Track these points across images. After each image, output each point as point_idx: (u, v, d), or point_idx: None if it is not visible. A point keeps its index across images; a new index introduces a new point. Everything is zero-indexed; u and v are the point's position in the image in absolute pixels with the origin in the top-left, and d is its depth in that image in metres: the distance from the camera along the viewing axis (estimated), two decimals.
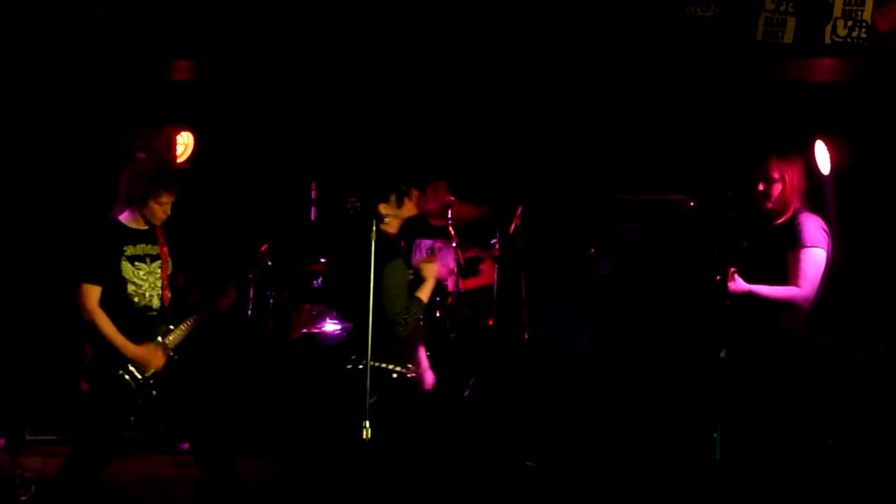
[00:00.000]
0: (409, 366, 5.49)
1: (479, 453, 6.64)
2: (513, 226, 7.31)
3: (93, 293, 5.19)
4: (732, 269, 5.39)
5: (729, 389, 5.39)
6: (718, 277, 5.43)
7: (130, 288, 5.27)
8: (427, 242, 7.76)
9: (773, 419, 5.41)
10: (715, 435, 5.28)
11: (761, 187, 5.56)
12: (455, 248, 7.22)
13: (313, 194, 7.69)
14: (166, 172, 5.32)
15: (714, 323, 5.54)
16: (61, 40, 6.07)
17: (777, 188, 5.53)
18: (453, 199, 7.25)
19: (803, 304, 5.43)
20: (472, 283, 7.61)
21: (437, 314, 7.27)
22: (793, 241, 5.45)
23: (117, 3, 6.00)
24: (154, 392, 5.28)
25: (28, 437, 6.93)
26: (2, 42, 6.13)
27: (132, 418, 6.35)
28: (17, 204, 7.24)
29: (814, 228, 5.45)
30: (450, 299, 7.31)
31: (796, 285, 5.41)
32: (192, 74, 7.24)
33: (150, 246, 5.36)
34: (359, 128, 7.96)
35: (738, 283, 5.40)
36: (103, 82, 7.04)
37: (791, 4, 6.08)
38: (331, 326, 7.18)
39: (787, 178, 5.53)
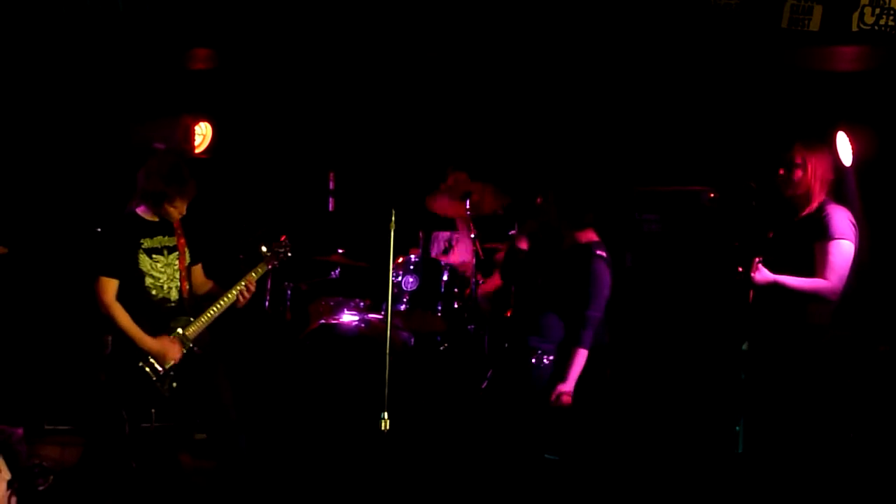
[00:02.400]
0: None
1: (498, 445, 6.62)
2: None
3: (110, 286, 5.20)
4: (758, 259, 5.33)
5: (751, 382, 5.34)
6: (741, 269, 5.37)
7: (148, 280, 5.27)
8: (445, 234, 7.74)
9: (796, 412, 5.36)
10: (737, 428, 5.23)
11: (782, 172, 5.50)
12: (474, 239, 7.18)
13: (331, 185, 7.67)
14: (181, 173, 5.31)
15: (736, 315, 5.48)
16: (81, 30, 6.06)
17: (798, 174, 5.47)
18: (473, 189, 7.21)
19: (831, 297, 5.37)
20: (491, 285, 7.57)
21: (456, 305, 7.25)
22: (821, 232, 5.38)
23: None
24: (175, 384, 5.28)
25: (46, 427, 6.93)
26: (22, 33, 6.13)
27: (153, 410, 6.37)
28: (35, 195, 7.24)
29: (842, 220, 5.39)
30: (468, 290, 7.28)
31: (824, 277, 5.35)
32: (211, 63, 7.22)
33: (167, 238, 5.36)
34: (377, 118, 7.93)
35: (764, 273, 5.34)
36: (122, 72, 7.03)
37: None
38: (348, 317, 7.16)
39: (809, 165, 5.46)
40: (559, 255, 5.82)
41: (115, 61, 6.82)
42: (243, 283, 5.45)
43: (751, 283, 5.33)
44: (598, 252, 5.65)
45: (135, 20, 6.08)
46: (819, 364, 5.39)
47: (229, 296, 5.43)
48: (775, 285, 5.36)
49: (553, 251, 5.86)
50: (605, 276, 5.62)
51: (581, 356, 5.60)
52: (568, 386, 5.60)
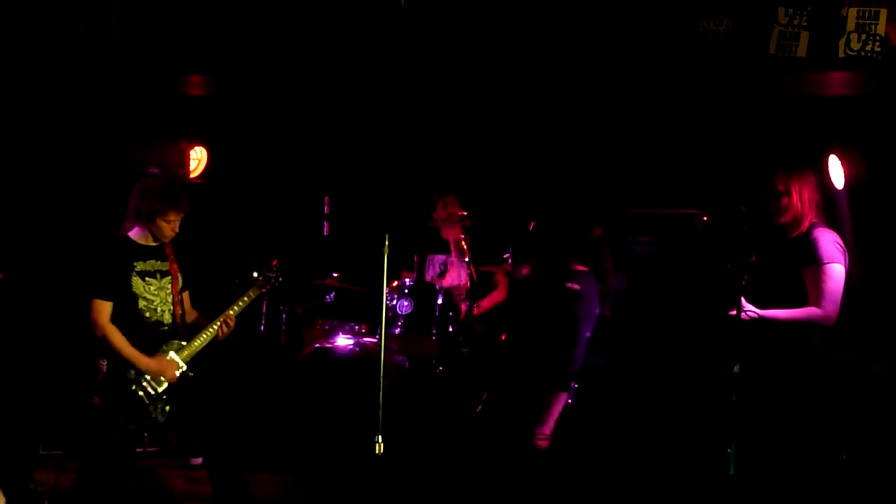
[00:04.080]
0: None
1: (492, 466, 6.62)
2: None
3: (104, 309, 5.22)
4: (742, 297, 5.33)
5: (743, 404, 5.35)
6: (734, 312, 5.36)
7: (142, 303, 5.29)
8: (440, 258, 7.77)
9: (788, 433, 5.37)
10: (729, 450, 5.24)
11: (769, 202, 5.54)
12: (468, 262, 7.21)
13: (326, 209, 7.70)
14: (174, 190, 5.35)
15: (728, 337, 5.50)
16: (76, 56, 6.11)
17: (784, 202, 5.50)
18: (465, 213, 7.25)
19: (825, 323, 5.37)
20: (486, 303, 7.60)
21: (451, 329, 7.27)
22: (809, 257, 5.40)
23: (131, 20, 6.04)
24: (167, 407, 5.29)
25: (41, 452, 6.93)
26: (19, 59, 6.18)
27: (146, 434, 6.38)
28: (30, 218, 7.26)
29: (829, 244, 5.40)
30: (462, 314, 7.31)
31: (817, 305, 5.36)
32: (206, 90, 7.27)
33: (159, 262, 5.39)
34: (371, 143, 7.98)
35: (752, 311, 5.35)
36: (118, 97, 7.07)
37: (804, 18, 6.06)
38: (343, 341, 7.18)
39: (793, 190, 5.49)
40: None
41: (111, 87, 6.86)
42: (222, 319, 5.47)
43: (742, 326, 5.32)
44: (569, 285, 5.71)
45: (130, 47, 6.12)
46: (811, 384, 5.40)
47: (211, 329, 5.45)
48: (766, 320, 5.37)
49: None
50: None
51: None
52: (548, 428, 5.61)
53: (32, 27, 5.89)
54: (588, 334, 5.84)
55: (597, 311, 5.92)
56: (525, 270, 6.26)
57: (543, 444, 5.58)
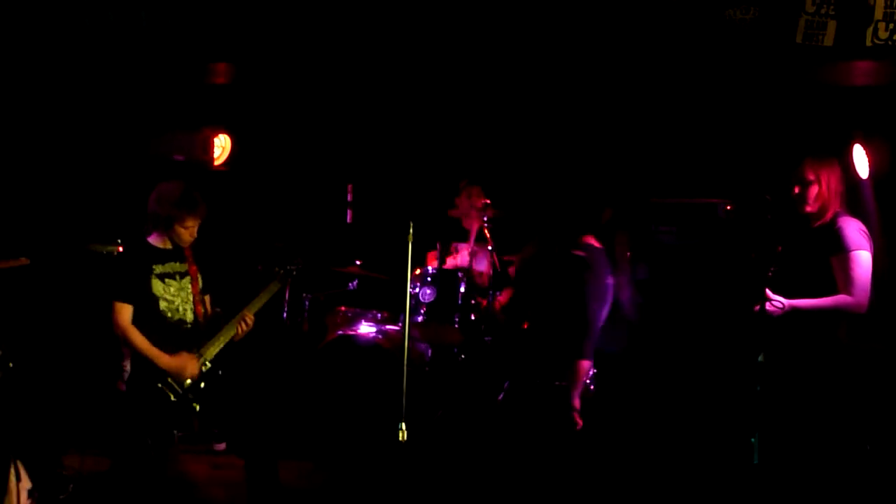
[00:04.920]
0: None
1: (514, 456, 6.64)
2: None
3: (125, 311, 5.30)
4: (769, 292, 5.32)
5: (767, 394, 5.34)
6: (758, 308, 5.35)
7: (163, 304, 5.36)
8: (463, 246, 7.77)
9: (812, 423, 5.36)
10: (753, 440, 5.24)
11: (797, 190, 5.52)
12: (491, 251, 7.21)
13: (349, 197, 7.72)
14: (191, 196, 5.39)
15: (752, 327, 5.49)
16: (106, 44, 6.15)
17: (814, 190, 5.49)
18: (489, 201, 7.25)
19: (857, 311, 5.35)
20: (506, 296, 7.60)
21: (473, 317, 7.27)
22: (836, 245, 5.39)
23: (159, 9, 6.07)
24: (196, 405, 5.33)
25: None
26: (48, 47, 6.22)
27: (176, 432, 6.41)
28: (54, 213, 7.32)
29: (854, 231, 5.39)
30: (484, 302, 7.31)
31: (847, 292, 5.34)
32: (230, 78, 7.29)
33: (178, 264, 5.47)
34: (395, 130, 7.98)
35: (781, 302, 5.33)
36: (143, 85, 7.11)
37: (831, 7, 6.02)
38: (366, 328, 7.20)
39: (822, 179, 5.48)
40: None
41: (137, 76, 6.90)
42: (239, 318, 5.50)
43: (769, 319, 5.31)
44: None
45: (157, 36, 6.15)
46: (837, 375, 5.38)
47: (232, 325, 5.49)
48: (794, 311, 5.36)
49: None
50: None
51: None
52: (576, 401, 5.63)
53: (63, 16, 5.93)
54: (604, 309, 5.81)
55: (609, 281, 5.88)
56: (530, 249, 6.26)
57: (578, 421, 5.59)
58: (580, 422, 5.66)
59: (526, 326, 7.36)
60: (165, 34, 6.25)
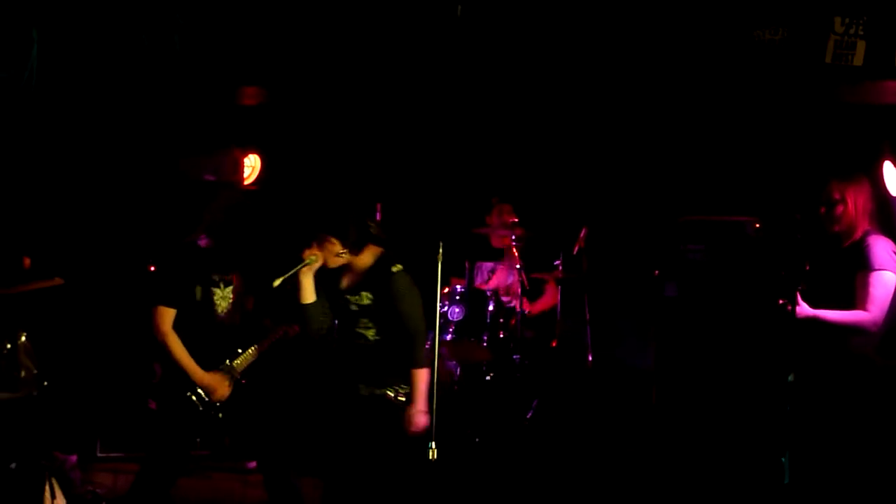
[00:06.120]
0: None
1: (543, 475, 6.64)
2: (577, 247, 7.32)
3: (167, 315, 5.31)
4: (800, 293, 5.34)
5: (797, 413, 5.33)
6: (782, 301, 5.38)
7: (205, 311, 5.38)
8: (488, 265, 7.80)
9: (843, 443, 5.35)
10: (783, 459, 5.23)
11: (823, 210, 5.53)
12: (519, 269, 7.24)
13: (378, 216, 7.76)
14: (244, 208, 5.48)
15: (782, 346, 5.49)
16: (137, 69, 6.23)
17: (840, 210, 5.49)
18: (517, 219, 7.28)
19: (871, 328, 5.37)
20: (538, 306, 7.64)
21: (501, 335, 7.30)
22: (861, 263, 5.39)
23: (191, 33, 6.15)
24: (220, 415, 5.37)
25: (99, 454, 7.04)
26: (85, 70, 6.30)
27: (198, 439, 6.46)
28: (87, 233, 7.40)
29: (882, 251, 5.38)
30: (513, 320, 7.33)
31: (864, 309, 5.35)
32: (260, 100, 7.37)
33: (223, 271, 5.48)
34: (424, 150, 8.02)
35: (803, 308, 5.35)
36: (172, 109, 7.20)
37: (861, 27, 6.02)
38: None
39: (848, 199, 5.47)
40: None
41: (170, 97, 6.98)
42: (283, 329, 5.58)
43: (792, 317, 5.33)
44: None
45: (189, 59, 6.23)
46: (864, 395, 5.37)
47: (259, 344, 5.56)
48: (815, 319, 5.38)
49: None
50: None
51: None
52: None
53: (99, 40, 6.01)
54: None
55: None
56: None
57: None
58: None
59: (554, 345, 7.39)
60: (197, 58, 6.32)
